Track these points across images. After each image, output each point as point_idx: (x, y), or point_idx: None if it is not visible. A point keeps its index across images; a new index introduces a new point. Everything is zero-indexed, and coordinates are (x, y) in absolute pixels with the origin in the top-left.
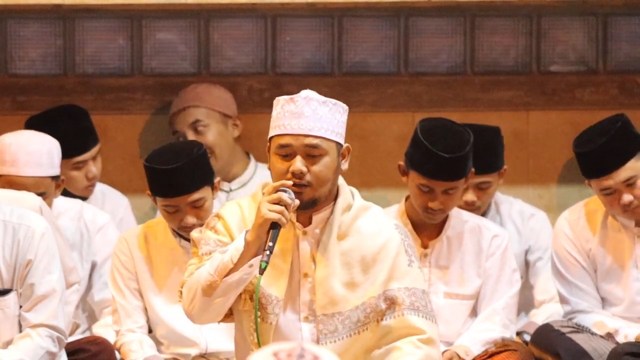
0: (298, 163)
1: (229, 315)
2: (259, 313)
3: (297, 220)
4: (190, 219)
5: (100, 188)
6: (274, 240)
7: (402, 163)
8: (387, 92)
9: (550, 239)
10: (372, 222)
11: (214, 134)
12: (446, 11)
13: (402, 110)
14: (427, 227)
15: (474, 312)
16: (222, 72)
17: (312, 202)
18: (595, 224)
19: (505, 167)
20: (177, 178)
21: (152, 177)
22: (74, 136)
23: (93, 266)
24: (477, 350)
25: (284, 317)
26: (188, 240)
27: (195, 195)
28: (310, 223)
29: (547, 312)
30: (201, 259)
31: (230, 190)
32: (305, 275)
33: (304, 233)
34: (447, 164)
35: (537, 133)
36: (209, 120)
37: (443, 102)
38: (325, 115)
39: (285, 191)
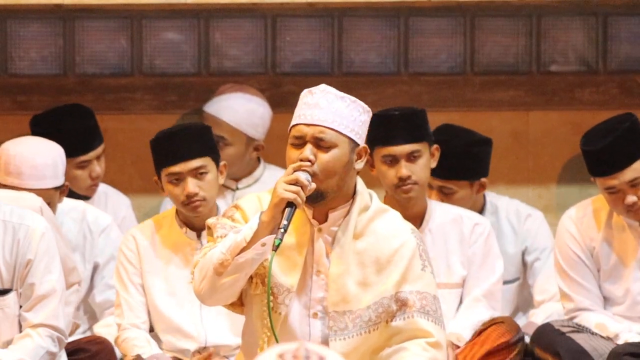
0: (307, 151)
1: (239, 305)
2: (271, 298)
3: (313, 217)
4: (192, 186)
5: (102, 188)
6: (289, 220)
7: (368, 157)
8: (387, 92)
9: (547, 239)
10: (388, 225)
11: (231, 154)
12: (446, 11)
13: None
14: (407, 219)
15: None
16: (222, 72)
17: (318, 194)
18: (599, 223)
19: (482, 181)
20: (178, 143)
21: (156, 149)
22: (79, 135)
23: (95, 267)
24: (468, 334)
25: (294, 310)
26: (194, 229)
27: (196, 162)
28: (326, 220)
29: (546, 312)
30: (215, 241)
31: (237, 189)
32: (319, 272)
33: (319, 230)
34: (401, 123)
35: (537, 133)
36: (234, 139)
37: (443, 102)
38: (341, 110)
39: (302, 173)
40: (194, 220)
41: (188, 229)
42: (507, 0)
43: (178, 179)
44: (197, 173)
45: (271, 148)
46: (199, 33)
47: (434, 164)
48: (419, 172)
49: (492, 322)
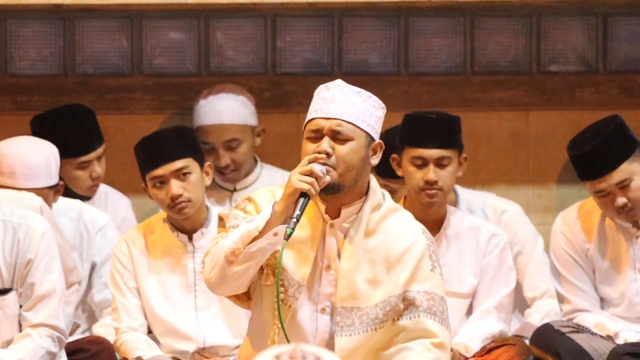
0: (324, 144)
1: (245, 300)
2: (281, 289)
3: (326, 212)
4: (176, 188)
5: (102, 189)
6: (302, 210)
7: (395, 155)
8: (387, 92)
9: (527, 232)
10: (400, 224)
11: (245, 150)
12: (446, 11)
13: (402, 110)
14: (425, 225)
15: (470, 311)
16: (222, 72)
17: (334, 186)
18: (592, 225)
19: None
20: (158, 147)
21: (138, 155)
22: (79, 136)
23: (93, 267)
24: (477, 346)
25: (302, 304)
26: (184, 233)
27: (178, 164)
28: (338, 216)
29: (541, 311)
30: (227, 231)
31: (235, 190)
32: (328, 267)
33: (331, 226)
34: (436, 127)
35: (537, 133)
36: (243, 135)
37: (443, 102)
38: (357, 104)
39: (317, 164)
40: (184, 223)
41: (179, 232)
42: (507, 0)
43: (162, 182)
44: (180, 174)
45: (270, 148)
46: (199, 33)
47: (460, 173)
48: (446, 178)
49: (504, 343)
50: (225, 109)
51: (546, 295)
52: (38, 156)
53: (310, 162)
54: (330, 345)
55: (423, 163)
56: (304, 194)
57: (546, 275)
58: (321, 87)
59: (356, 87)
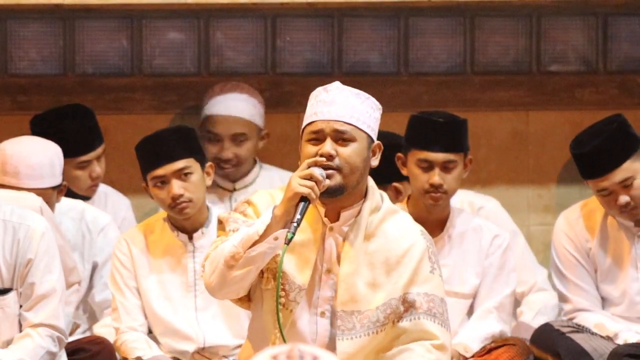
0: (327, 146)
1: (246, 301)
2: (282, 293)
3: (325, 215)
4: (177, 188)
5: (102, 189)
6: (302, 214)
7: (400, 154)
8: (387, 92)
9: (506, 226)
10: (399, 226)
11: (249, 148)
12: (446, 11)
13: (402, 110)
14: (428, 225)
15: (471, 311)
16: (222, 72)
17: (339, 188)
18: (594, 224)
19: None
20: (160, 147)
21: (140, 155)
22: (79, 136)
23: (94, 267)
24: (476, 346)
25: (302, 308)
26: (185, 232)
27: (180, 164)
28: (337, 219)
29: (533, 308)
30: (227, 235)
31: (234, 190)
32: (329, 271)
33: (331, 229)
34: (444, 130)
35: (537, 133)
36: (250, 132)
37: (443, 102)
38: (357, 106)
39: (317, 168)
40: (184, 223)
41: (179, 232)
42: (507, 0)
43: (163, 182)
44: (182, 174)
45: (270, 148)
46: (199, 33)
47: (465, 175)
48: (451, 182)
49: (504, 343)
50: (237, 101)
51: (534, 289)
52: (42, 156)
53: (310, 166)
54: (330, 349)
55: (429, 166)
56: (304, 198)
57: (530, 268)
58: (319, 89)
59: (355, 89)
